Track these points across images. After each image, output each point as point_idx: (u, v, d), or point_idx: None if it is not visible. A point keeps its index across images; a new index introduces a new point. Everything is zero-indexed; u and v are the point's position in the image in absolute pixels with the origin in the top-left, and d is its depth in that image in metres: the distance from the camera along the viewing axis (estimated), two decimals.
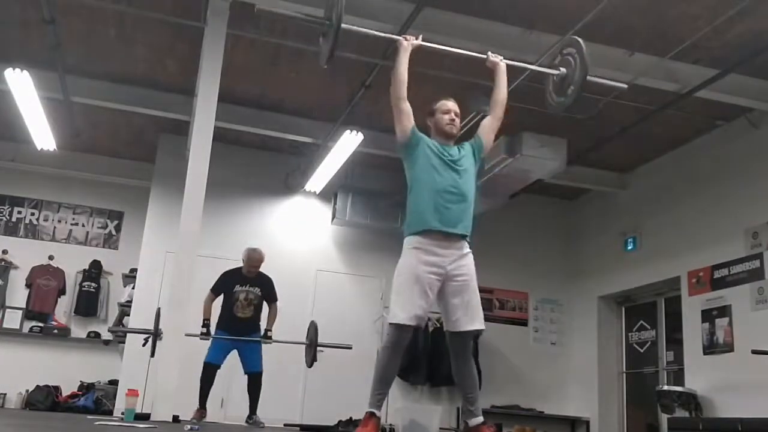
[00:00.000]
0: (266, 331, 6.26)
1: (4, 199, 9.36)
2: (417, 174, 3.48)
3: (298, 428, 6.89)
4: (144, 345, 5.63)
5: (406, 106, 3.48)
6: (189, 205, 5.38)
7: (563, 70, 3.71)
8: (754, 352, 6.05)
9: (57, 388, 8.57)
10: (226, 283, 6.26)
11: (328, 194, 8.85)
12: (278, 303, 6.46)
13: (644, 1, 5.42)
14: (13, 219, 9.34)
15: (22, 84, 6.66)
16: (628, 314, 9.07)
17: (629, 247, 8.57)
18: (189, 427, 4.38)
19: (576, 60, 3.65)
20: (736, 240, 6.98)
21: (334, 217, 8.86)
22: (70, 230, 9.51)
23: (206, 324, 6.04)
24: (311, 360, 6.23)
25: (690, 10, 5.43)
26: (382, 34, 3.75)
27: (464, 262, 3.40)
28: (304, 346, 6.35)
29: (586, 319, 9.17)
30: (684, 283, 7.61)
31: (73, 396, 8.52)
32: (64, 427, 3.92)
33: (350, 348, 6.55)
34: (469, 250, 3.45)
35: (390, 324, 3.33)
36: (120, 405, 7.15)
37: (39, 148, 8.37)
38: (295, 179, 8.77)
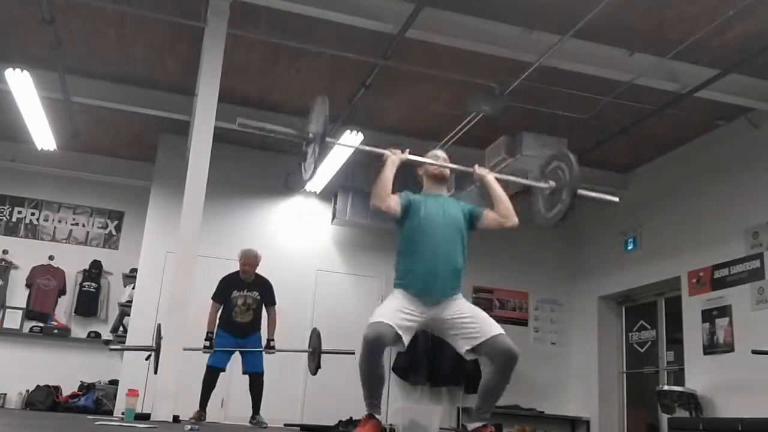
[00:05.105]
0: (269, 341, 6.26)
1: (4, 199, 9.36)
2: (405, 233, 3.45)
3: (298, 428, 6.89)
4: (147, 359, 5.64)
5: (392, 201, 3.40)
6: (189, 205, 5.37)
7: (552, 183, 3.66)
8: (754, 352, 6.05)
9: (57, 388, 8.56)
10: (225, 290, 6.28)
11: (328, 194, 8.86)
12: (278, 305, 6.47)
13: (644, 1, 5.42)
14: (14, 219, 9.34)
15: (22, 84, 6.66)
16: (628, 314, 9.06)
17: (629, 247, 8.56)
18: (189, 427, 4.38)
19: (565, 173, 3.61)
20: (736, 240, 6.98)
21: (334, 217, 8.86)
22: (71, 230, 9.51)
23: (209, 337, 6.04)
24: (315, 368, 6.22)
25: (690, 10, 5.43)
26: (368, 148, 3.71)
27: (455, 307, 3.37)
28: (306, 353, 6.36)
29: (586, 319, 9.17)
30: (684, 283, 7.60)
31: (73, 396, 8.51)
32: (64, 427, 3.92)
33: (353, 353, 6.54)
34: (459, 296, 3.42)
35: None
36: (120, 405, 7.15)
37: (39, 148, 8.37)
38: (296, 179, 8.77)
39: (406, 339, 3.27)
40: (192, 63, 6.57)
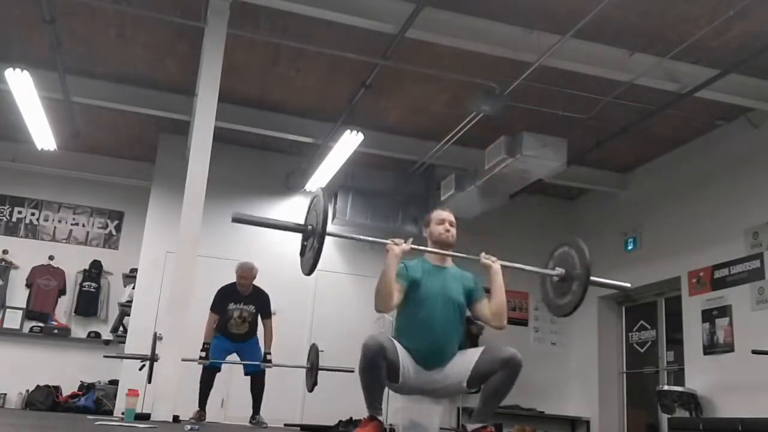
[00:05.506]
0: (265, 354, 6.26)
1: (4, 199, 9.36)
2: (403, 308, 3.40)
3: (298, 428, 6.89)
4: (141, 369, 5.63)
5: (396, 300, 3.33)
6: (189, 205, 5.38)
7: (561, 270, 3.58)
8: (754, 352, 6.05)
9: (57, 388, 8.57)
10: (222, 302, 6.28)
11: (328, 194, 8.83)
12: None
13: (644, 1, 5.42)
14: (14, 219, 9.34)
15: (22, 84, 6.65)
16: (628, 314, 9.07)
17: (629, 247, 8.56)
18: (189, 427, 4.38)
19: (575, 260, 3.56)
20: (736, 240, 6.98)
21: (334, 217, 8.85)
22: (71, 230, 9.51)
23: (206, 348, 6.04)
24: (312, 384, 6.16)
25: (690, 11, 5.43)
26: (371, 239, 3.62)
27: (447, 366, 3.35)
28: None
29: (586, 319, 9.16)
30: (684, 283, 7.61)
31: (73, 396, 8.52)
32: (64, 427, 3.92)
33: (352, 371, 6.53)
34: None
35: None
36: (120, 405, 7.15)
37: (39, 148, 8.36)
38: (296, 179, 8.77)
39: (402, 374, 3.24)
40: (192, 63, 6.57)
